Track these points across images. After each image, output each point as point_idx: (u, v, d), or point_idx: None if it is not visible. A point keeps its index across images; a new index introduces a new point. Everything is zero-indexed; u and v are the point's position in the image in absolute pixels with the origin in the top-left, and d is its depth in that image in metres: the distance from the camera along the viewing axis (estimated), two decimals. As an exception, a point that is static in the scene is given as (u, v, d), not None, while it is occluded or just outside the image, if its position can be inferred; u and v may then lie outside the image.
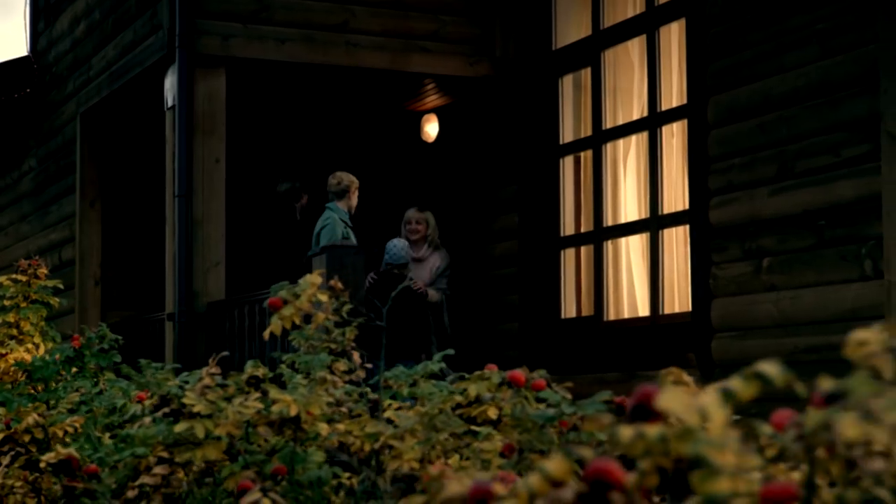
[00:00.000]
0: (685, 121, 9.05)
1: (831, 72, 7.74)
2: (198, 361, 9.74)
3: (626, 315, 9.93)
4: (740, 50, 8.47)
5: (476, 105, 11.27)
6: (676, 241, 9.34)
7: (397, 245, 9.85)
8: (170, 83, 10.03)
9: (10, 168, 15.09)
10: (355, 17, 10.36)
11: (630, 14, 9.87)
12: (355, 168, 12.64)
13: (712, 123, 8.69)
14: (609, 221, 10.05)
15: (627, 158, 10.04)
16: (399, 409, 3.44)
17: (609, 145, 10.13)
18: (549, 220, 10.55)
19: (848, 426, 1.63)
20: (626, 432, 1.63)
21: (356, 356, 3.36)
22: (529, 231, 10.56)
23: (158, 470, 3.33)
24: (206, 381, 3.24)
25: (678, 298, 9.31)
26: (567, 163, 10.59)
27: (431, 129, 12.15)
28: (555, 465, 1.65)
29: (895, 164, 7.26)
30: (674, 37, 9.41)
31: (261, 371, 3.30)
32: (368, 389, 3.45)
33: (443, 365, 3.46)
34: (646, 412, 1.68)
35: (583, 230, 10.42)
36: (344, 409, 3.23)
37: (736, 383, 1.70)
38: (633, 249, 9.95)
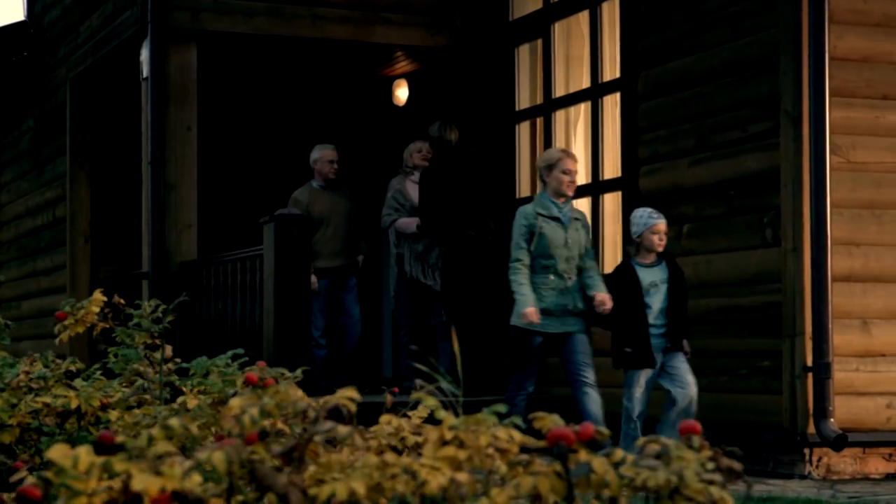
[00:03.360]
0: (619, 93, 9.62)
1: (740, 52, 8.31)
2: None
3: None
4: (666, 28, 9.03)
5: (440, 72, 11.85)
6: (614, 205, 9.93)
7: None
8: (144, 55, 10.64)
9: (12, 128, 15.78)
10: (321, -10, 10.92)
11: (576, -11, 10.41)
12: (330, 133, 13.30)
13: (642, 96, 9.28)
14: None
15: (577, 125, 10.62)
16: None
17: (562, 112, 10.70)
18: (506, 183, 11.15)
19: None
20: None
21: (168, 349, 4.01)
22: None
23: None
24: (22, 377, 3.89)
25: (617, 260, 9.90)
26: (523, 128, 11.17)
27: (402, 93, 12.74)
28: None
29: (791, 141, 7.84)
30: (613, 13, 9.95)
31: (75, 366, 3.95)
32: (176, 378, 4.10)
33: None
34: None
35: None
36: (147, 397, 3.87)
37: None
38: (580, 212, 10.53)
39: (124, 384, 4.03)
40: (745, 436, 8.16)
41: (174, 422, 2.32)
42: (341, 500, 2.14)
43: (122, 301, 3.92)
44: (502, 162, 11.17)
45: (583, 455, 2.10)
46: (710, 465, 2.05)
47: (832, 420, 7.63)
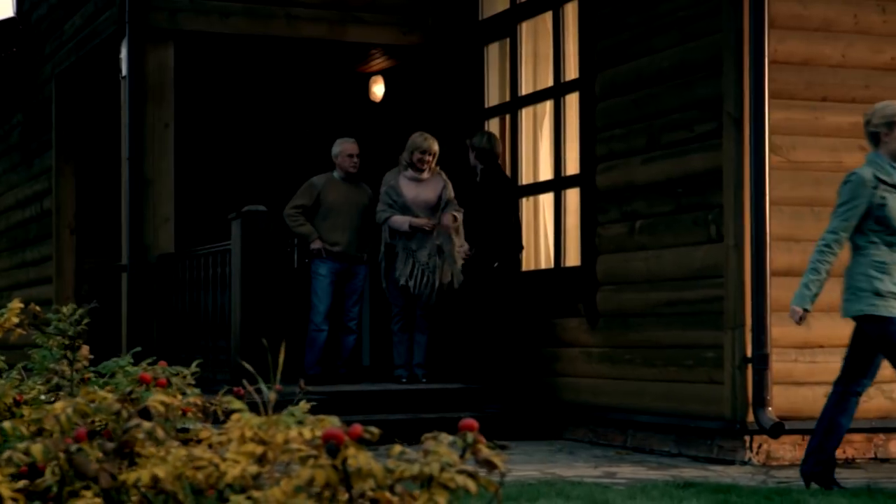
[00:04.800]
0: (578, 93, 9.96)
1: (688, 56, 8.64)
2: (151, 307, 10.81)
3: (542, 266, 10.87)
4: (621, 31, 9.37)
5: (414, 70, 12.19)
6: (576, 201, 10.27)
7: None
8: (124, 54, 10.99)
9: (3, 122, 16.15)
10: (295, -10, 11.25)
11: (540, -10, 10.74)
12: (308, 129, 13.67)
13: (599, 96, 9.62)
14: (526, 181, 10.97)
15: (544, 122, 10.96)
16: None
17: (529, 110, 11.03)
18: (474, 178, 11.47)
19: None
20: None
21: (84, 349, 4.36)
22: (457, 186, 11.48)
23: None
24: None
25: (576, 253, 10.25)
26: (493, 124, 11.50)
27: (378, 89, 13.08)
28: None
29: (733, 142, 8.18)
30: (574, 15, 10.27)
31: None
32: (92, 375, 4.45)
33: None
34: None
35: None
36: (63, 394, 4.22)
37: None
38: (546, 208, 10.87)
39: (39, 383, 4.37)
40: (691, 424, 8.52)
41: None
42: (146, 484, 2.49)
43: (38, 308, 4.27)
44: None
45: (351, 451, 2.44)
46: (469, 457, 2.39)
47: (770, 409, 7.98)
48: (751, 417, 8.03)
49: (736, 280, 8.14)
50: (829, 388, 8.25)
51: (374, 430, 2.59)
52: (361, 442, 2.52)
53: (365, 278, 11.14)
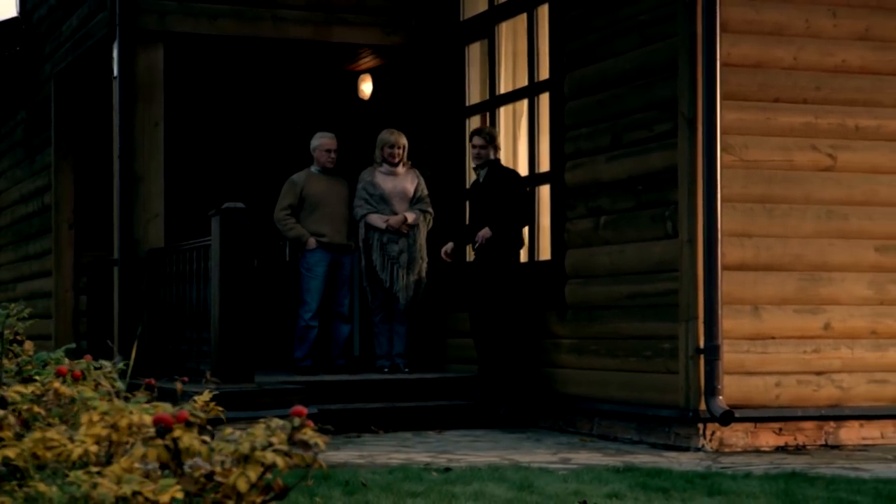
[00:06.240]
0: (549, 92, 10.31)
1: (648, 58, 8.98)
2: (140, 299, 11.20)
3: (521, 259, 11.21)
4: (587, 34, 9.71)
5: (399, 69, 12.56)
6: (547, 197, 10.61)
7: None
8: (116, 55, 11.38)
9: (7, 118, 16.58)
10: (282, -7, 11.62)
11: (516, -7, 11.09)
12: (297, 127, 14.05)
13: (568, 96, 9.97)
14: (505, 176, 11.31)
15: (522, 120, 11.31)
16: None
17: (508, 108, 11.38)
18: (455, 175, 11.86)
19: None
20: None
21: (28, 344, 4.74)
22: (439, 184, 11.85)
23: None
24: None
25: (548, 248, 10.60)
26: (474, 122, 11.85)
27: (367, 87, 13.45)
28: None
29: (687, 141, 8.52)
30: (546, 17, 10.61)
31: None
32: (32, 367, 4.83)
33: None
34: None
35: (486, 183, 11.72)
36: (4, 387, 4.59)
37: None
38: (523, 202, 11.22)
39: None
40: (649, 412, 8.87)
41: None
42: (-1, 463, 2.86)
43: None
44: (454, 153, 11.88)
45: (178, 432, 2.79)
46: (284, 437, 2.75)
47: (721, 398, 8.32)
48: (703, 406, 8.37)
49: (689, 274, 8.48)
50: (780, 378, 8.62)
51: (202, 414, 2.95)
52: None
53: (353, 266, 11.52)
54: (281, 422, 2.83)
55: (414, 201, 11.09)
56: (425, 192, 11.15)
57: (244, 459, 2.68)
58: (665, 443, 8.74)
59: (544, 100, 10.60)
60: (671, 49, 8.71)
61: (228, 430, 2.93)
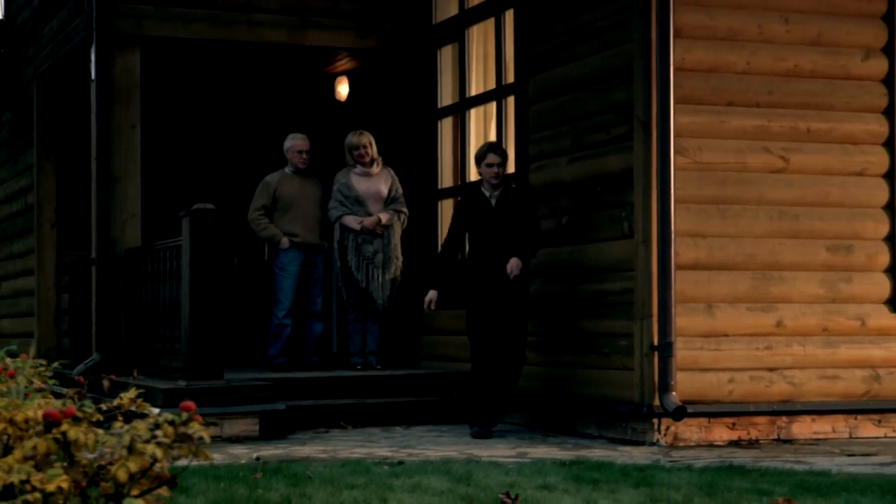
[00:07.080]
0: (514, 95, 10.55)
1: (606, 63, 9.21)
2: (118, 298, 11.44)
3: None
4: (550, 38, 9.95)
5: (374, 71, 12.79)
6: (515, 197, 10.84)
7: None
8: (93, 58, 11.61)
9: (-8, 118, 16.83)
10: (257, -3, 11.85)
11: (484, -2, 11.33)
12: (274, 128, 14.28)
13: (532, 99, 10.21)
14: (475, 178, 11.54)
15: (491, 123, 11.54)
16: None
17: (478, 110, 11.61)
18: (428, 175, 12.10)
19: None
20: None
21: None
22: (412, 184, 12.08)
23: None
24: None
25: (516, 247, 10.82)
26: (445, 124, 12.10)
27: (343, 89, 13.68)
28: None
29: (642, 144, 8.76)
30: (512, 22, 10.85)
31: None
32: None
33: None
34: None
35: (458, 184, 11.96)
36: None
37: None
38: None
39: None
40: (606, 408, 9.10)
41: None
42: None
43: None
44: (426, 155, 12.12)
45: (65, 426, 3.03)
46: (171, 431, 2.98)
47: (674, 393, 8.56)
48: (657, 402, 8.60)
49: (644, 273, 8.71)
50: (732, 375, 8.86)
51: (89, 410, 3.18)
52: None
53: (327, 266, 11.75)
54: (171, 416, 3.06)
55: (388, 201, 11.33)
56: (400, 191, 11.39)
57: (129, 451, 2.91)
58: (622, 437, 8.97)
59: (511, 103, 10.83)
60: (627, 54, 8.94)
61: (118, 424, 3.16)
